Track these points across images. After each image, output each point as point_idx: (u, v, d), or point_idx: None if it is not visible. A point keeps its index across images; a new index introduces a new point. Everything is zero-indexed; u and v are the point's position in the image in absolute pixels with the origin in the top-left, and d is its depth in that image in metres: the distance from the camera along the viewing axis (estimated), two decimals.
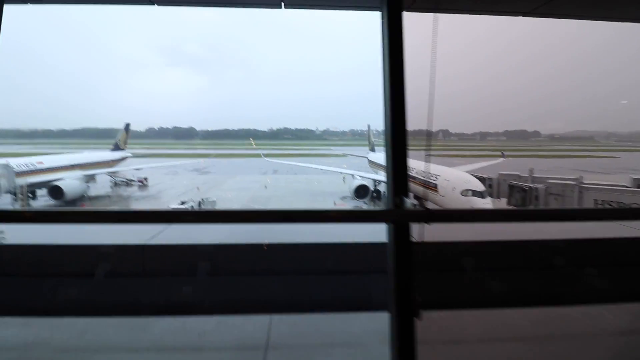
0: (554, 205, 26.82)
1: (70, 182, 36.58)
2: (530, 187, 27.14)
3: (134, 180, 51.74)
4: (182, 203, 33.13)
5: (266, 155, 70.73)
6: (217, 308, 2.68)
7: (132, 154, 61.35)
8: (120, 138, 58.93)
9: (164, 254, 2.64)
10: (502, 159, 56.34)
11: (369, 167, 54.84)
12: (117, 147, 57.76)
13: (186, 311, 2.61)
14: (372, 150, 62.11)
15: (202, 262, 2.70)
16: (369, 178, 41.93)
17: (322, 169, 52.27)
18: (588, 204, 24.90)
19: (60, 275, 2.51)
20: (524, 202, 27.52)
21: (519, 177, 29.54)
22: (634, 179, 24.28)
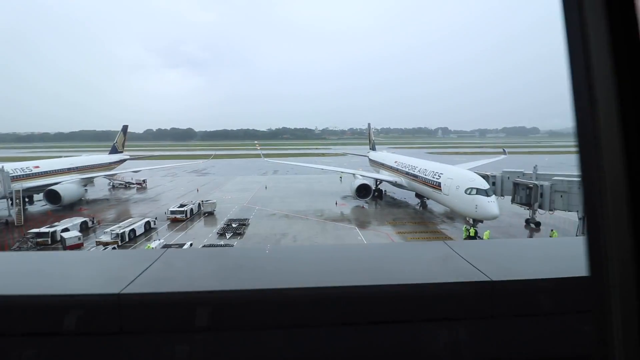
0: (559, 202, 26.40)
1: (67, 186, 35.96)
2: (535, 185, 26.65)
3: (132, 183, 51.20)
4: (182, 205, 32.58)
5: (266, 156, 70.18)
6: None
7: (130, 156, 60.77)
8: (118, 140, 58.30)
9: (147, 305, 1.81)
10: (503, 156, 55.85)
11: (369, 166, 54.34)
12: (114, 150, 57.13)
13: None
14: (373, 149, 61.56)
15: (200, 313, 1.83)
16: (370, 177, 41.50)
17: (322, 169, 51.75)
18: None
19: (11, 335, 1.77)
20: (529, 200, 27.07)
21: (523, 174, 29.05)
22: None
